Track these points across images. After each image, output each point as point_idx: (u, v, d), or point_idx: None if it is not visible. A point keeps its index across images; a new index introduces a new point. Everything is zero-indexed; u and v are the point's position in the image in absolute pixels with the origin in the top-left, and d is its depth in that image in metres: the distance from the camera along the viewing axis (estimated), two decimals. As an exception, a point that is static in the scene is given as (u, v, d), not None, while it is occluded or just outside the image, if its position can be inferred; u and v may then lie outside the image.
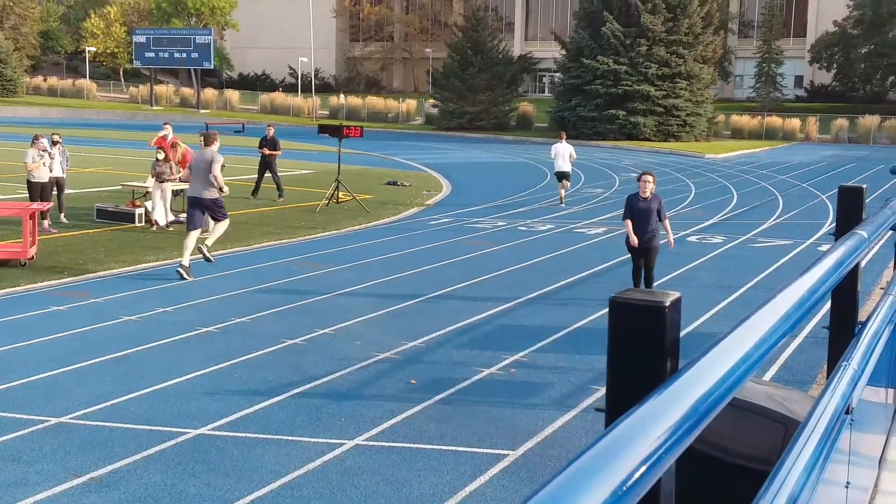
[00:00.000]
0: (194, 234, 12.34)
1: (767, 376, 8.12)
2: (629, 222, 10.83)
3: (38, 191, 15.73)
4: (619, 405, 1.17)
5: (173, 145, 17.60)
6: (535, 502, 0.77)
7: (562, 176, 21.44)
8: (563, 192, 21.58)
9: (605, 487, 0.86)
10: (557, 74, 56.43)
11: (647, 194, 10.75)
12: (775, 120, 55.47)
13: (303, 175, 26.69)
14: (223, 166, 12.71)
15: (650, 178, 10.79)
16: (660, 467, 0.98)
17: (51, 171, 16.03)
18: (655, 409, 1.07)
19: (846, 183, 3.29)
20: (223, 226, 12.72)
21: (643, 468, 0.92)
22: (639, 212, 10.77)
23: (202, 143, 13.01)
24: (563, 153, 21.18)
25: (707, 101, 50.74)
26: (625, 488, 0.88)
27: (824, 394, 2.28)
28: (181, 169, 16.65)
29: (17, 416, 6.96)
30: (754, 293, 11.70)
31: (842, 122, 54.26)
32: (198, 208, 12.42)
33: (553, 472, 0.85)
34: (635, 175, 17.29)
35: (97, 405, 7.22)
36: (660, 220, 10.84)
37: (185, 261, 12.19)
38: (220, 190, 12.36)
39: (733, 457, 4.27)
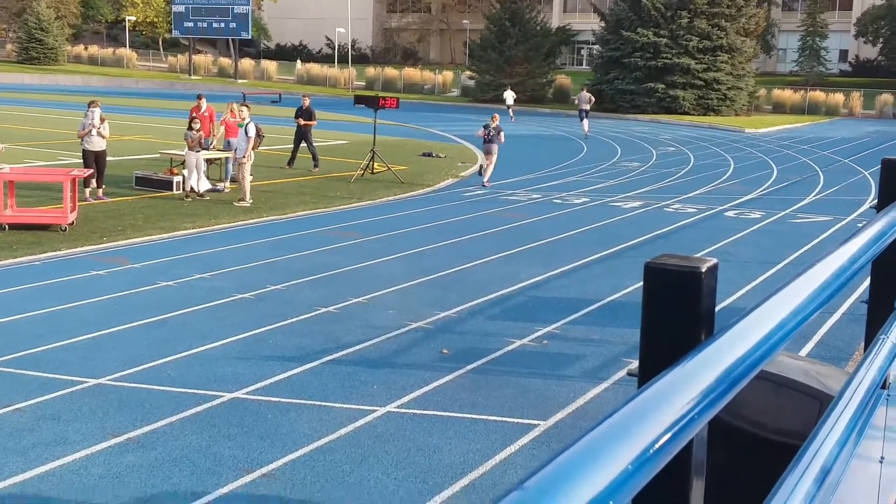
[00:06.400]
0: None
1: (804, 352, 8.04)
2: None
3: (93, 159, 15.77)
4: (651, 370, 1.16)
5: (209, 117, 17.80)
6: (564, 458, 0.78)
7: (584, 114, 32.68)
8: (586, 124, 32.11)
9: (634, 447, 0.86)
10: (596, 47, 55.69)
11: None
12: (818, 95, 54.36)
13: (338, 145, 26.73)
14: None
15: None
16: (690, 430, 0.97)
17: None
18: (687, 372, 1.07)
19: (890, 157, 3.22)
20: None
21: (673, 431, 0.92)
22: None
23: None
24: (584, 98, 34.07)
25: (748, 74, 49.73)
26: (653, 450, 0.87)
27: (860, 367, 2.25)
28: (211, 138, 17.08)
29: (58, 376, 7.11)
30: (793, 269, 11.56)
31: (887, 97, 53.05)
32: None
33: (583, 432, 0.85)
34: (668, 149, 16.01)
35: (135, 367, 7.35)
36: None
37: None
38: None
39: (768, 432, 4.25)
